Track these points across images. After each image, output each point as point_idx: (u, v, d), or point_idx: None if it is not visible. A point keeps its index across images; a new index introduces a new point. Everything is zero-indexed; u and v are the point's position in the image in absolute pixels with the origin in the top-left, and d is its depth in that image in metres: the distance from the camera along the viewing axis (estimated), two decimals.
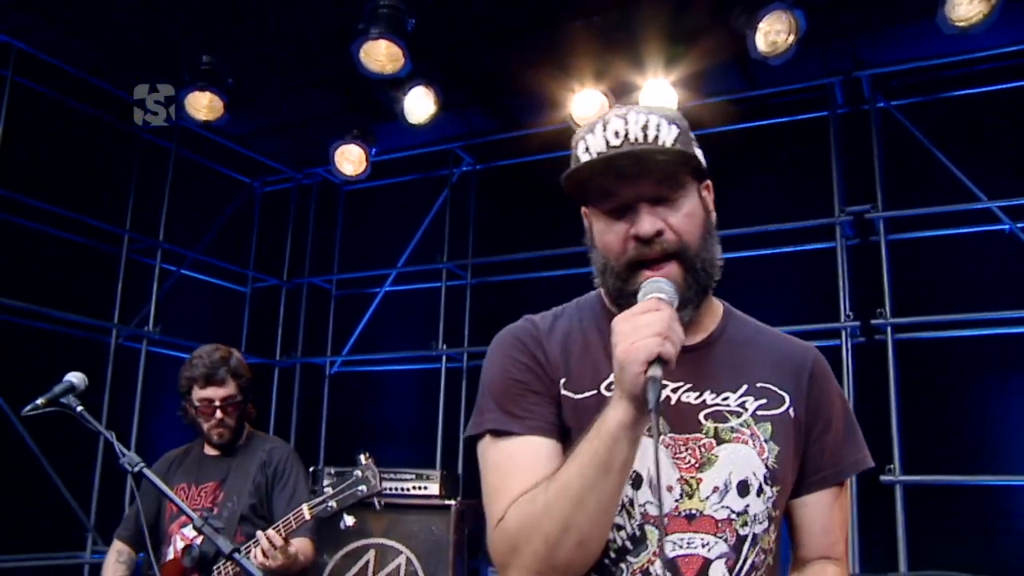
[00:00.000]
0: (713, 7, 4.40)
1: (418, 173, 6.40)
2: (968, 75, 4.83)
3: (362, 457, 3.00)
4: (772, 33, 4.16)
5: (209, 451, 3.28)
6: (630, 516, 1.37)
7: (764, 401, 1.46)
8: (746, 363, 1.49)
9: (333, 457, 6.17)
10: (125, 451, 2.37)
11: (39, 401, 2.44)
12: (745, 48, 4.20)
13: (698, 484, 1.38)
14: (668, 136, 1.38)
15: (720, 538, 1.37)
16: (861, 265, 4.89)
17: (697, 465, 1.39)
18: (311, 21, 4.61)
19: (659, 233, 1.37)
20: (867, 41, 4.75)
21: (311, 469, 3.45)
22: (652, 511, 1.37)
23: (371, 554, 4.42)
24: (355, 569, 4.42)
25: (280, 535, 2.87)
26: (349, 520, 2.96)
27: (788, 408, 1.47)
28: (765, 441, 1.43)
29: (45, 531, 4.84)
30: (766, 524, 1.42)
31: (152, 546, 3.09)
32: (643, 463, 1.36)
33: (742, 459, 1.40)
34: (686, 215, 1.39)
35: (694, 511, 1.37)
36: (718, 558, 1.37)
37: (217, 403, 3.15)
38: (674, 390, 1.43)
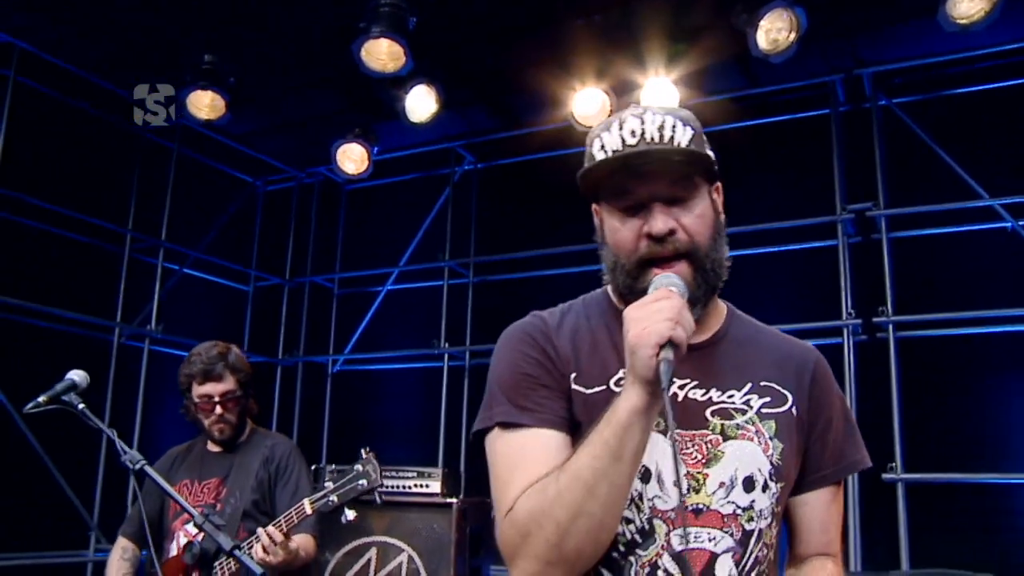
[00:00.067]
0: (714, 5, 4.40)
1: (420, 172, 6.41)
2: (969, 73, 4.83)
3: (363, 452, 3.00)
4: (773, 31, 4.16)
5: (212, 448, 3.29)
6: (639, 510, 1.38)
7: (768, 399, 1.48)
8: (750, 362, 1.51)
9: (335, 455, 6.18)
10: (126, 449, 2.38)
11: (41, 399, 2.45)
12: (746, 46, 4.20)
13: (705, 479, 1.40)
14: (683, 137, 1.40)
15: (727, 533, 1.39)
16: (863, 263, 4.89)
17: (704, 461, 1.41)
18: (313, 20, 4.62)
19: (672, 232, 1.39)
20: (868, 39, 4.75)
21: (313, 467, 3.46)
22: (660, 505, 1.38)
23: (373, 552, 4.43)
24: (357, 567, 4.43)
25: (281, 531, 2.88)
26: (350, 514, 2.96)
27: (791, 406, 1.49)
28: (770, 438, 1.45)
29: (49, 530, 4.85)
30: (770, 519, 1.44)
31: (156, 543, 3.10)
32: (652, 457, 1.38)
33: (748, 455, 1.42)
34: (698, 216, 1.42)
35: (701, 506, 1.39)
36: (724, 552, 1.39)
37: (216, 399, 3.16)
38: (681, 387, 1.45)
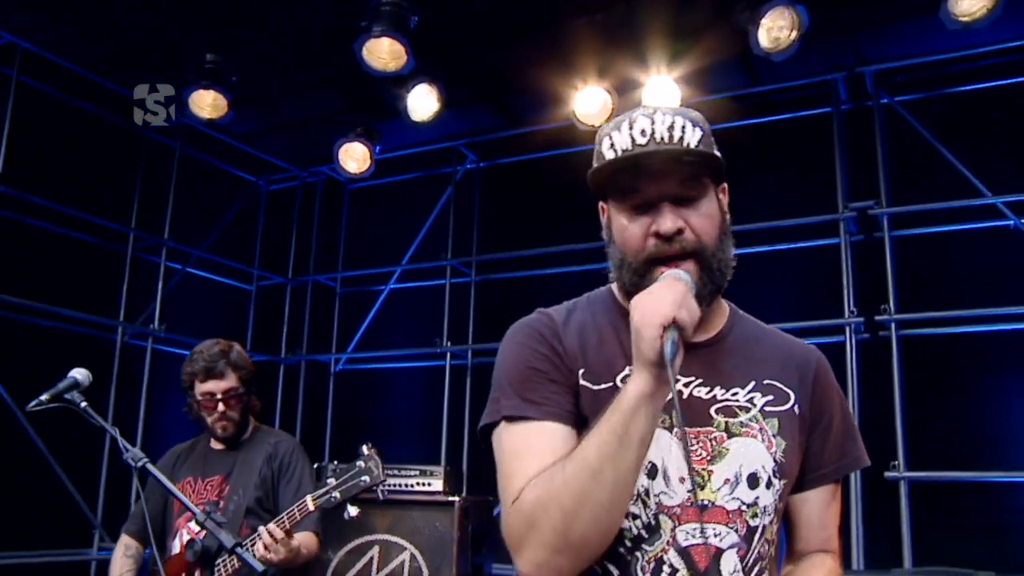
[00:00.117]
0: (716, 3, 4.40)
1: (422, 171, 6.41)
2: (972, 70, 4.83)
3: (364, 448, 3.00)
4: (775, 29, 4.16)
5: (215, 445, 3.30)
6: (645, 506, 1.39)
7: (771, 397, 1.49)
8: (753, 360, 1.53)
9: (338, 454, 6.18)
10: (129, 446, 2.39)
11: (43, 397, 2.46)
12: (748, 44, 4.20)
13: (710, 476, 1.41)
14: (693, 138, 1.42)
15: (731, 528, 1.40)
16: (865, 261, 4.89)
17: (708, 458, 1.42)
18: (314, 19, 4.63)
19: (679, 231, 1.41)
20: (870, 36, 4.75)
21: (315, 465, 3.47)
22: (666, 501, 1.39)
23: (375, 550, 4.44)
24: (359, 565, 4.44)
25: (285, 526, 2.89)
26: (353, 511, 2.96)
27: (793, 405, 1.51)
28: (773, 436, 1.46)
29: (53, 528, 4.87)
30: (773, 516, 1.46)
31: (159, 540, 3.11)
32: (658, 453, 1.39)
33: (752, 453, 1.44)
34: (705, 216, 1.43)
35: (706, 502, 1.40)
36: (729, 548, 1.40)
37: (219, 396, 3.17)
38: (686, 384, 1.46)
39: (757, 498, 1.42)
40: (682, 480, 1.39)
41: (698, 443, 1.43)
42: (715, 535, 1.39)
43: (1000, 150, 4.74)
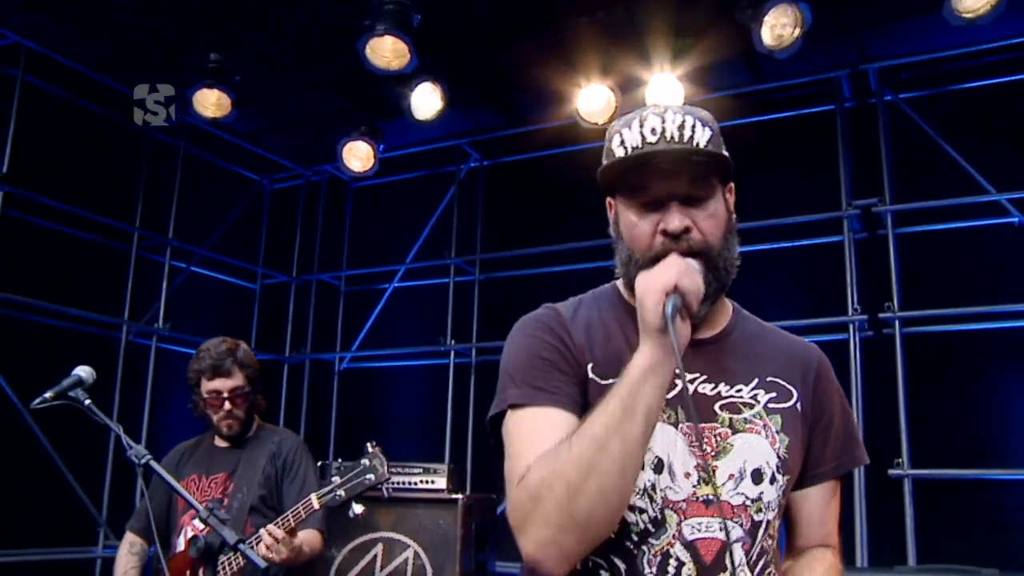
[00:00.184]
0: (718, 1, 4.39)
1: (426, 169, 6.42)
2: (976, 67, 4.81)
3: (369, 446, 3.01)
4: (778, 27, 4.15)
5: (219, 443, 3.31)
6: (651, 500, 1.40)
7: (774, 394, 1.51)
8: (757, 358, 1.55)
9: (342, 452, 6.19)
10: (132, 444, 2.39)
11: (47, 394, 2.47)
12: (751, 42, 4.20)
13: (715, 471, 1.42)
14: (703, 137, 1.43)
15: (736, 523, 1.42)
16: (869, 259, 4.88)
17: (713, 453, 1.43)
18: (318, 18, 4.63)
19: (687, 230, 1.42)
20: (873, 34, 4.74)
21: (320, 463, 3.48)
22: (672, 496, 1.40)
23: (379, 548, 4.44)
24: (363, 563, 4.45)
25: (290, 525, 2.90)
26: (358, 508, 2.97)
27: (796, 402, 1.53)
28: (776, 432, 1.48)
29: (57, 526, 4.88)
30: (776, 511, 1.47)
31: (163, 537, 3.12)
32: (664, 448, 1.41)
33: (756, 448, 1.45)
34: (712, 215, 1.45)
35: (711, 497, 1.41)
36: (735, 542, 1.41)
37: (225, 394, 3.17)
38: (691, 381, 1.48)
39: (761, 493, 1.44)
40: (687, 475, 1.41)
41: (703, 439, 1.44)
42: (720, 529, 1.40)
43: (1004, 147, 4.73)
